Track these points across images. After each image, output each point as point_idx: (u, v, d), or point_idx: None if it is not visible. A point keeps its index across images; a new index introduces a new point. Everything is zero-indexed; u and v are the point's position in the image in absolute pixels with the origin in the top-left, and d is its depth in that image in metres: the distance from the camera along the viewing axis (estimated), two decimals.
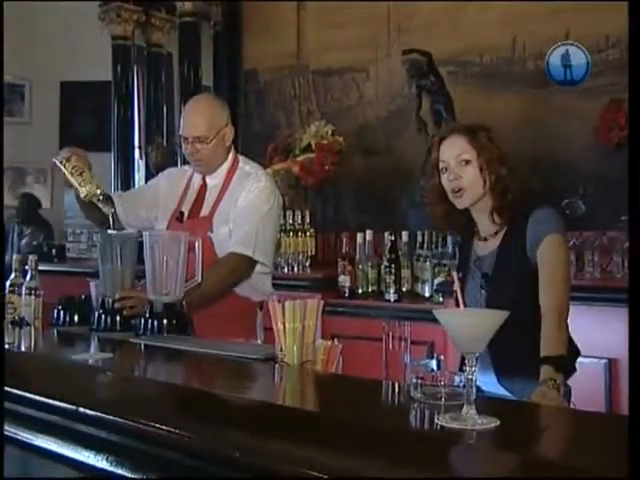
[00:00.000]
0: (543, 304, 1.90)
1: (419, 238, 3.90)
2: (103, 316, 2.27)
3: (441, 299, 3.59)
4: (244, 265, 2.51)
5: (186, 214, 2.61)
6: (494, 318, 1.27)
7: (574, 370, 1.99)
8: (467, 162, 2.00)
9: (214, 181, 2.62)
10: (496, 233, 2.05)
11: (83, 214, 2.71)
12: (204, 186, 2.64)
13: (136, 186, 5.76)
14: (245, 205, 2.53)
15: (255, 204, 2.54)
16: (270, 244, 2.59)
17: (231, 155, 2.64)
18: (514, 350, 1.87)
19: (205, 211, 2.59)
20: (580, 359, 2.03)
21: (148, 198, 2.74)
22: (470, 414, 1.19)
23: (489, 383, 2.00)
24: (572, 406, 1.91)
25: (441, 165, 2.04)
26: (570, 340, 1.96)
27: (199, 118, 2.55)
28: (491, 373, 2.01)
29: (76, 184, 2.42)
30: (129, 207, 2.66)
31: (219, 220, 2.55)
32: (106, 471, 1.42)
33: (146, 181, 5.74)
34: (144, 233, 2.31)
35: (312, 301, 1.72)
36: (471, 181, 2.00)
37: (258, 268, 2.55)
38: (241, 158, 2.68)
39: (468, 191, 2.00)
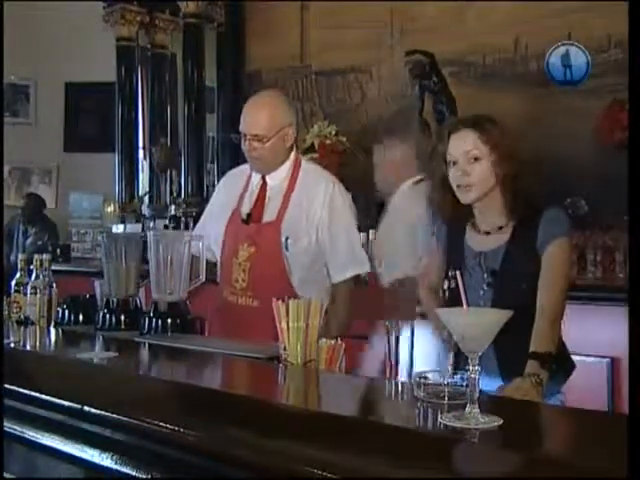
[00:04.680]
0: (540, 301, 1.89)
1: None
2: (108, 315, 2.28)
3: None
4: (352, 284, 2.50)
5: (245, 215, 2.46)
6: (498, 317, 1.27)
7: (571, 371, 1.98)
8: (476, 159, 1.95)
9: (275, 181, 2.47)
10: (500, 228, 2.01)
11: None
12: (264, 185, 2.47)
13: (140, 185, 5.79)
14: (331, 220, 2.43)
15: (338, 216, 2.45)
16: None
17: (293, 155, 2.49)
18: (521, 351, 1.84)
19: (271, 215, 2.43)
20: (583, 358, 2.03)
21: (207, 216, 2.67)
22: (473, 413, 1.19)
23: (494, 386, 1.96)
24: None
25: (449, 158, 1.98)
26: (564, 346, 1.96)
27: (259, 116, 2.39)
28: (497, 376, 1.93)
29: None
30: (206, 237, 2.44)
31: (290, 228, 2.40)
32: (111, 469, 1.42)
33: (149, 181, 5.77)
34: (148, 232, 2.32)
35: (316, 300, 1.72)
36: (479, 178, 1.95)
37: None
38: (303, 158, 2.59)
39: (475, 187, 1.96)
